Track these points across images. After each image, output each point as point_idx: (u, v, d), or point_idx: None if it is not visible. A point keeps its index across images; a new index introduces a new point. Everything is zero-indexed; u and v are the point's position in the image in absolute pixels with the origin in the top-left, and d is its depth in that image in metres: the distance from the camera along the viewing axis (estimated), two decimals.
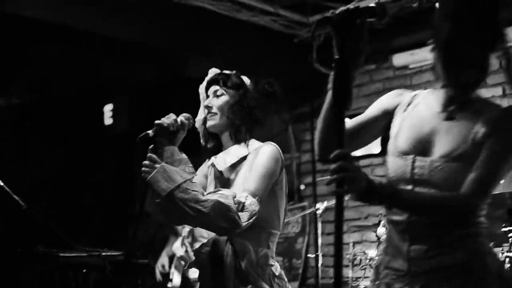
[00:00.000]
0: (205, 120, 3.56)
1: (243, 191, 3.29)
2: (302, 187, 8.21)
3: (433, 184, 2.46)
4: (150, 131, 3.30)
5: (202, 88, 3.70)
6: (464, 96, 2.55)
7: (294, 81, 7.11)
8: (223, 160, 3.53)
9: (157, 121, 3.32)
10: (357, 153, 2.96)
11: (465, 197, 2.40)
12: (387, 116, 2.72)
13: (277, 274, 3.43)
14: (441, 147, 2.50)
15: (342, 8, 2.32)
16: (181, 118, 3.42)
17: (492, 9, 2.52)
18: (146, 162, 3.29)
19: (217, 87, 3.57)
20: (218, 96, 3.55)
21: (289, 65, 7.07)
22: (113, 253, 3.91)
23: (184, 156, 3.36)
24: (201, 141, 3.57)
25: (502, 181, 5.28)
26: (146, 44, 6.62)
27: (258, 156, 3.41)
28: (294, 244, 7.81)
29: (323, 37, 2.46)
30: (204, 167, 3.68)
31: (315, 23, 2.35)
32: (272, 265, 3.43)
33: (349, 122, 2.68)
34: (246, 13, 6.94)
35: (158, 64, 7.31)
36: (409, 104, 2.70)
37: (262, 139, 3.56)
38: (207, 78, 3.68)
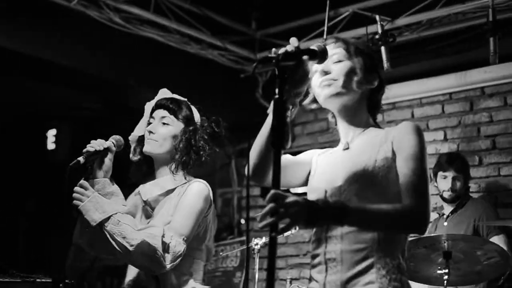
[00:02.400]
0: (142, 139, 3.54)
1: (169, 230, 3.29)
2: (242, 221, 8.20)
3: None
4: (81, 158, 3.27)
5: (149, 105, 3.67)
6: (358, 130, 2.76)
7: (239, 116, 7.13)
8: (149, 190, 3.52)
9: (85, 149, 3.32)
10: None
11: (413, 207, 2.47)
12: (309, 165, 2.89)
13: None
14: (344, 172, 2.63)
15: (283, 48, 2.39)
16: (111, 140, 3.41)
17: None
18: (77, 188, 3.27)
19: (165, 114, 3.54)
20: (164, 124, 3.54)
21: (235, 100, 7.11)
22: (47, 280, 3.84)
23: (115, 187, 3.37)
24: (131, 155, 3.54)
25: (445, 224, 5.36)
26: (92, 72, 6.58)
27: (186, 195, 3.41)
28: (232, 278, 7.78)
29: (270, 73, 2.49)
30: (133, 196, 3.67)
31: (256, 62, 2.41)
32: None
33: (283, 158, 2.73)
34: (194, 46, 6.97)
35: (103, 92, 7.27)
36: (323, 153, 2.91)
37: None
38: (157, 98, 3.66)
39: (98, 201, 3.24)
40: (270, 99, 2.32)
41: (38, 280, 3.80)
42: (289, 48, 2.38)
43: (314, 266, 2.69)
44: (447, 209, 5.78)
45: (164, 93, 3.69)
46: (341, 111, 2.77)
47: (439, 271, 4.53)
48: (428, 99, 6.84)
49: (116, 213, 3.23)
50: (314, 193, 2.71)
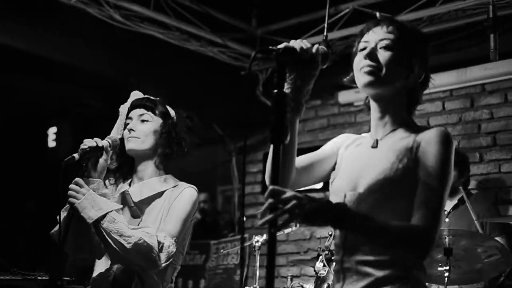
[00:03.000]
0: (121, 142, 3.53)
1: (162, 231, 3.34)
2: (244, 218, 8.20)
3: None
4: (76, 155, 3.28)
5: (123, 108, 3.68)
6: (390, 127, 2.61)
7: (239, 113, 7.14)
8: (139, 191, 3.53)
9: (81, 145, 3.32)
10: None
11: (422, 232, 2.36)
12: (334, 157, 2.76)
13: None
14: (366, 179, 2.52)
15: (285, 44, 2.36)
16: (107, 140, 3.42)
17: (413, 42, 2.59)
18: (72, 186, 3.28)
19: (143, 112, 3.57)
20: (143, 121, 3.55)
21: (235, 97, 7.10)
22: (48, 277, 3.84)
23: (108, 190, 3.40)
24: (104, 160, 3.43)
25: (447, 220, 5.36)
26: (92, 69, 6.58)
27: (180, 200, 3.46)
28: (233, 275, 7.79)
29: (270, 70, 2.49)
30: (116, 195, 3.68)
31: (255, 52, 2.34)
32: None
33: (301, 158, 2.71)
34: (194, 43, 6.96)
35: (103, 90, 7.26)
36: (351, 144, 2.75)
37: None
38: (130, 100, 3.67)
39: (94, 198, 3.25)
40: (270, 96, 2.30)
41: (39, 277, 3.81)
42: (291, 43, 2.37)
43: (335, 272, 2.63)
44: (448, 204, 5.78)
45: (136, 94, 3.71)
46: (377, 101, 2.62)
47: (439, 268, 4.51)
48: (428, 96, 6.83)
49: (111, 211, 3.24)
50: (335, 196, 2.62)
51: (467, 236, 4.59)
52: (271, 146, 2.42)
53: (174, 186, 3.55)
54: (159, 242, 3.27)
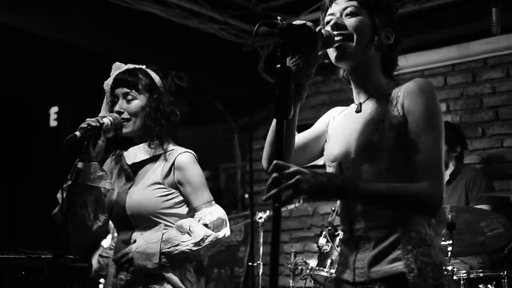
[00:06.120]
0: (116, 122, 3.50)
1: (199, 208, 3.48)
2: (246, 196, 8.21)
3: None
4: (77, 132, 3.28)
5: (107, 85, 3.65)
6: (371, 90, 2.63)
7: (240, 90, 7.13)
8: (134, 154, 3.56)
9: (83, 124, 3.32)
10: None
11: (429, 190, 2.35)
12: (326, 133, 2.79)
13: None
14: (357, 144, 2.53)
15: (290, 22, 2.36)
16: (108, 118, 3.42)
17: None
18: (117, 259, 3.45)
19: (127, 90, 3.54)
20: (129, 101, 3.54)
21: (237, 74, 7.08)
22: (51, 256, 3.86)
23: (104, 172, 3.41)
24: (103, 139, 3.43)
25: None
26: (93, 49, 6.56)
27: (188, 169, 3.52)
28: (236, 252, 7.82)
29: (271, 47, 2.48)
30: (109, 162, 3.72)
31: (258, 24, 2.32)
32: None
33: (298, 137, 2.71)
34: (195, 20, 6.94)
35: (104, 69, 7.24)
36: (338, 115, 2.79)
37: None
38: (112, 75, 3.64)
39: (140, 251, 3.37)
40: (272, 73, 2.29)
41: (43, 256, 3.82)
42: (296, 22, 2.37)
43: (344, 242, 2.63)
44: None
45: (117, 67, 3.68)
46: (353, 70, 2.65)
47: (442, 243, 4.53)
48: (430, 71, 6.81)
49: (163, 250, 3.36)
50: (330, 166, 2.63)
51: (470, 211, 4.61)
52: (273, 122, 2.43)
53: (171, 150, 3.57)
54: (206, 225, 3.41)
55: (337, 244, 4.71)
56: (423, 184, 2.36)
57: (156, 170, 3.51)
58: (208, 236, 3.37)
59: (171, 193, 3.50)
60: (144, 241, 3.37)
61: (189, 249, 3.34)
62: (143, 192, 3.48)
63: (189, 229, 3.38)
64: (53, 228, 3.31)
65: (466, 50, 6.63)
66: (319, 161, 2.83)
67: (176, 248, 3.35)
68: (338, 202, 2.65)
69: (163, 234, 3.38)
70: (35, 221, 8.17)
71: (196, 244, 3.35)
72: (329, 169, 2.63)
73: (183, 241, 3.35)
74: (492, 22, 5.27)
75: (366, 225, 2.49)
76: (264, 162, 2.66)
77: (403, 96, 2.48)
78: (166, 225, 3.45)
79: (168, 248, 3.34)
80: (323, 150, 2.77)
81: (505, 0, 5.31)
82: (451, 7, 6.32)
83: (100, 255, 5.53)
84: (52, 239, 3.17)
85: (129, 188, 3.54)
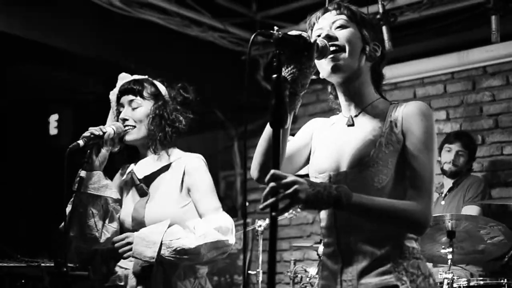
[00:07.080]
0: (119, 132, 3.50)
1: (206, 213, 3.45)
2: (247, 204, 8.21)
3: None
4: (80, 141, 3.27)
5: (113, 95, 3.65)
6: (363, 104, 2.64)
7: (240, 98, 7.14)
8: (144, 168, 3.54)
9: (85, 133, 3.32)
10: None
11: (418, 209, 2.39)
12: (309, 144, 2.80)
13: None
14: (348, 157, 2.54)
15: (286, 31, 2.37)
16: (111, 126, 3.42)
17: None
18: (116, 240, 3.37)
19: (132, 97, 3.54)
20: (134, 108, 3.53)
21: (236, 82, 7.08)
22: (52, 264, 3.86)
23: (109, 181, 3.41)
24: (107, 149, 3.45)
25: (443, 203, 5.37)
26: (92, 56, 6.56)
27: (197, 175, 3.50)
28: (236, 260, 7.81)
29: (270, 55, 2.48)
30: (119, 177, 3.68)
31: (253, 34, 2.31)
32: None
33: (287, 145, 2.71)
34: (195, 28, 6.94)
35: (104, 76, 7.23)
36: (323, 127, 2.80)
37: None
38: (118, 85, 3.64)
39: (142, 237, 3.33)
40: (271, 80, 2.29)
41: (42, 264, 3.82)
42: (291, 32, 2.37)
43: (328, 255, 2.62)
44: (446, 185, 5.81)
45: (123, 77, 3.68)
46: (345, 82, 2.62)
47: (443, 250, 4.53)
48: (430, 79, 6.82)
49: (164, 241, 3.32)
50: (318, 178, 2.62)
51: (469, 220, 4.61)
52: (265, 131, 2.50)
53: (178, 158, 3.56)
54: (217, 229, 3.39)
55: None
56: (414, 203, 2.41)
57: (171, 181, 3.50)
58: (210, 233, 3.35)
59: (189, 202, 3.50)
60: (148, 230, 3.35)
61: (189, 243, 3.30)
62: (162, 206, 3.47)
63: (193, 228, 3.37)
64: (53, 237, 3.31)
65: (466, 58, 6.64)
66: (301, 172, 2.83)
67: (177, 239, 3.31)
68: (322, 215, 2.65)
69: (167, 228, 3.36)
70: (35, 229, 8.17)
71: (197, 239, 3.32)
72: (317, 181, 2.60)
73: (186, 236, 3.33)
74: (492, 30, 5.27)
75: (355, 238, 2.50)
76: (254, 172, 2.65)
77: (403, 116, 2.52)
78: None
79: (170, 240, 3.31)
80: (306, 161, 2.79)
81: (504, 8, 5.31)
82: (450, 15, 6.33)
83: (120, 266, 5.51)
84: (52, 247, 3.17)
85: (146, 203, 3.51)
